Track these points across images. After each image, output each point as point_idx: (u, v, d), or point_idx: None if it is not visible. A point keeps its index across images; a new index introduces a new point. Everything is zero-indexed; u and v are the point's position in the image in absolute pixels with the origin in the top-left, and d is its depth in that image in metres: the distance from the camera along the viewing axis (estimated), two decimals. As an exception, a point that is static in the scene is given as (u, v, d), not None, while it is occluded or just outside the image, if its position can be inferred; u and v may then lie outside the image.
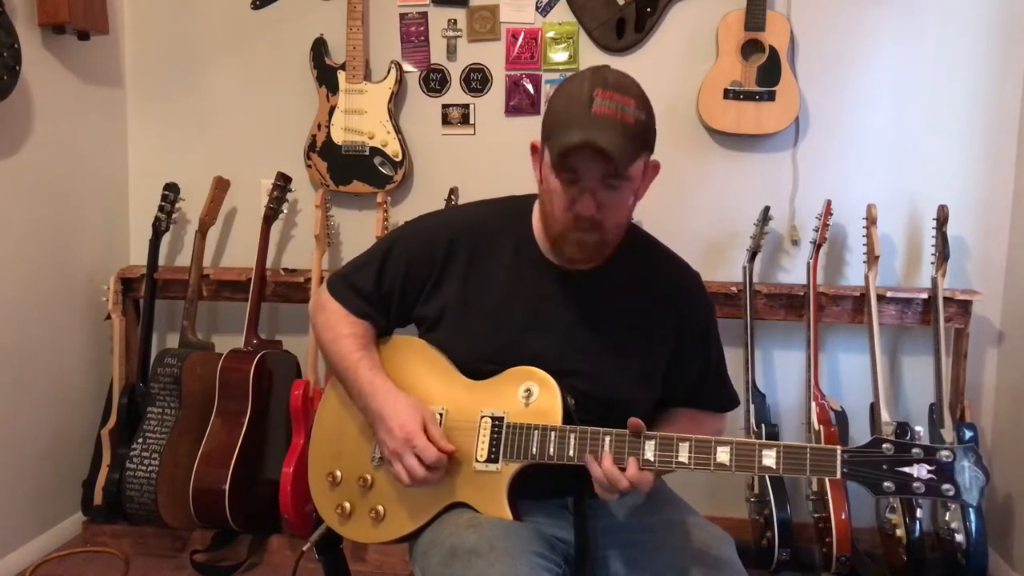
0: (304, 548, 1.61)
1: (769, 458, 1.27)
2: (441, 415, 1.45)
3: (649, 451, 1.31)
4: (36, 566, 2.59)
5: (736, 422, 2.61)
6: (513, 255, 1.50)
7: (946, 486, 1.20)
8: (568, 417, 1.39)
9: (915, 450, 1.22)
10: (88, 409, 2.85)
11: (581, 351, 1.46)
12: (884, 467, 1.22)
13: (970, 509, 2.37)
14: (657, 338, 1.50)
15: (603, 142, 1.27)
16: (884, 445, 1.23)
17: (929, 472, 1.21)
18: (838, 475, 1.24)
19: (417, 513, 1.44)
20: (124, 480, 2.60)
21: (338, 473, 1.53)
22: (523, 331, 1.46)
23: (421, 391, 1.47)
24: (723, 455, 1.29)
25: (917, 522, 2.40)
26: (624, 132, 1.29)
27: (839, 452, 1.24)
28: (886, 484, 1.22)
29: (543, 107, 2.75)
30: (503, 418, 1.41)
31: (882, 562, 2.51)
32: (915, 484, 1.21)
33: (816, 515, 2.47)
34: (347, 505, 1.51)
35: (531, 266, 1.49)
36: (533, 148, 1.46)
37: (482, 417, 1.42)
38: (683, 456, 1.30)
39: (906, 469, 1.22)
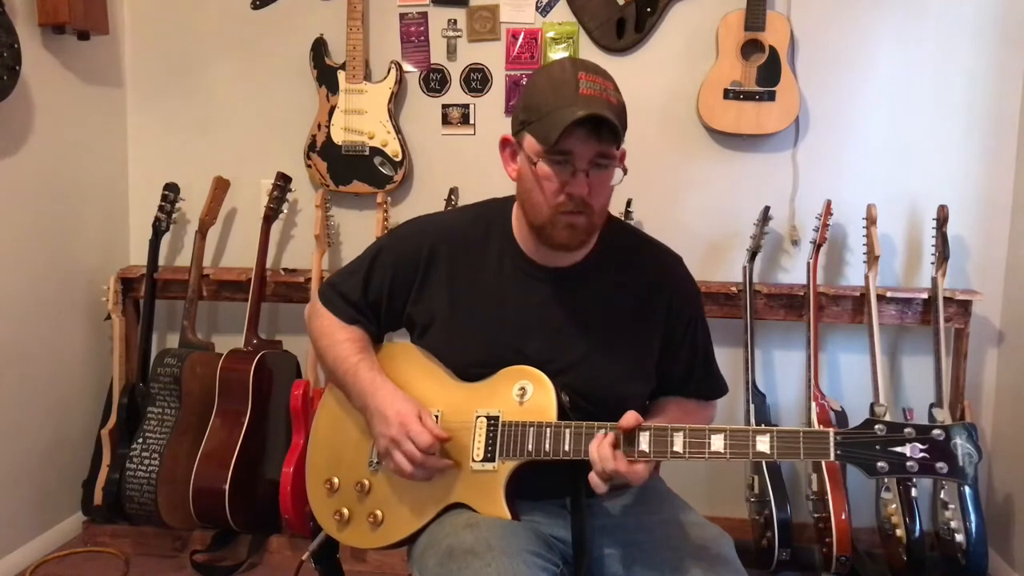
0: (304, 558, 1.62)
1: (763, 444, 1.27)
2: (437, 417, 1.45)
3: (644, 442, 1.31)
4: (36, 566, 2.59)
5: (736, 422, 2.61)
6: (497, 259, 1.50)
7: (940, 464, 1.20)
8: (563, 413, 1.39)
9: (907, 430, 1.22)
10: (88, 409, 2.85)
11: (573, 350, 1.46)
12: (877, 448, 1.23)
13: (970, 509, 2.37)
14: (647, 330, 1.50)
15: (606, 114, 1.30)
16: (877, 426, 1.23)
17: (922, 451, 1.21)
18: (832, 457, 1.24)
19: (415, 516, 1.44)
20: (124, 480, 2.60)
21: (335, 480, 1.53)
22: (514, 334, 1.46)
23: (416, 395, 1.47)
24: (717, 443, 1.29)
25: (917, 522, 2.40)
26: (611, 110, 1.32)
27: (832, 434, 1.25)
28: (880, 464, 1.22)
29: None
30: (498, 417, 1.41)
31: (882, 562, 2.51)
32: (908, 464, 1.21)
33: (816, 515, 2.47)
34: (345, 511, 1.51)
35: (516, 268, 1.49)
36: (505, 142, 1.46)
37: (477, 417, 1.42)
38: (678, 446, 1.30)
39: (899, 449, 1.22)
